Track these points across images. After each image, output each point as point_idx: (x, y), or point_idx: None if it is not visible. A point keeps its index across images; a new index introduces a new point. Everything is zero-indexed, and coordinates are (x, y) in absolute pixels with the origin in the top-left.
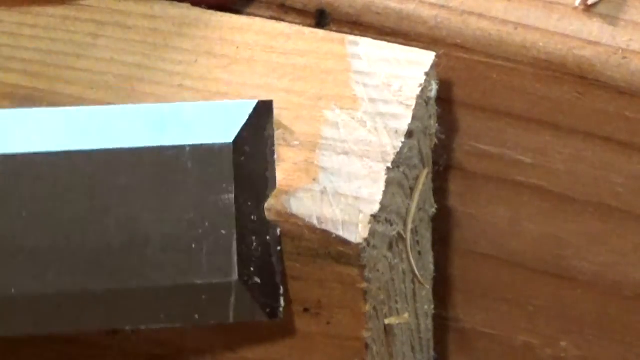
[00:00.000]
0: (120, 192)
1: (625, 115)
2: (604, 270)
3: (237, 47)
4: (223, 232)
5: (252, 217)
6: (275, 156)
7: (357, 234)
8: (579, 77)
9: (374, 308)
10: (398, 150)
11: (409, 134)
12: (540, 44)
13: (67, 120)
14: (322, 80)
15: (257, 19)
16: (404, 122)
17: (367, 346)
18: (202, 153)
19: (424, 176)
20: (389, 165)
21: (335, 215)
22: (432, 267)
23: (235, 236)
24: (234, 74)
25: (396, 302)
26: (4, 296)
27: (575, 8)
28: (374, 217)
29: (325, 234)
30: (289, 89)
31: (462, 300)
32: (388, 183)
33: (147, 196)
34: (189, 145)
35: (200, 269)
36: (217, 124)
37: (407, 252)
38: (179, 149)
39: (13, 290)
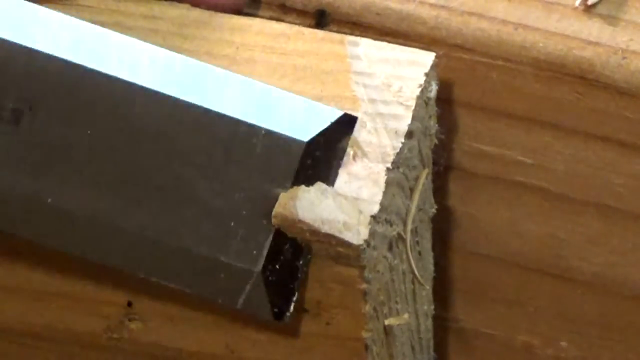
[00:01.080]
0: (184, 147)
1: (625, 115)
2: (604, 270)
3: (237, 48)
4: (264, 222)
5: None
6: (340, 170)
7: (357, 235)
8: (579, 77)
9: (374, 308)
10: (398, 150)
11: (409, 135)
12: (540, 44)
13: (162, 62)
14: (322, 80)
15: (257, 19)
16: (404, 123)
17: (366, 347)
18: (274, 141)
19: (424, 176)
20: (389, 165)
21: (336, 216)
22: (432, 267)
23: (273, 230)
24: None
25: (396, 302)
26: (39, 201)
27: (575, 8)
28: (374, 218)
29: (328, 237)
30: (289, 89)
31: (462, 300)
32: (388, 184)
33: (209, 161)
34: (265, 130)
35: (229, 248)
36: (299, 119)
37: (407, 253)
38: (254, 129)
39: (50, 200)
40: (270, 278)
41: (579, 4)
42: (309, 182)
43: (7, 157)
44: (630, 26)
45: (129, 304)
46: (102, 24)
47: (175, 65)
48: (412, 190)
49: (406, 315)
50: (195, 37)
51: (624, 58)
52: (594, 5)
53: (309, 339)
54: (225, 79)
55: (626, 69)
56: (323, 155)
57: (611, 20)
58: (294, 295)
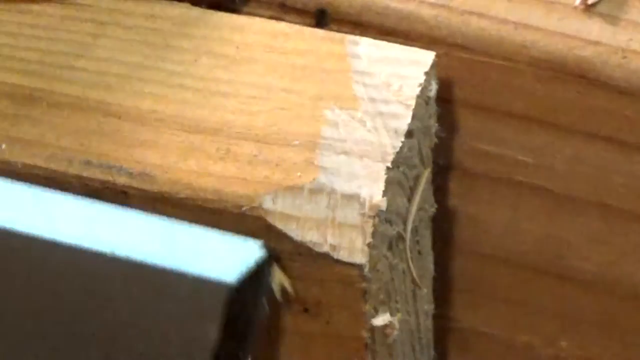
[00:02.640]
0: (107, 301)
1: (625, 115)
2: (604, 270)
3: (237, 47)
4: None
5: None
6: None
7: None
8: (579, 77)
9: (374, 308)
10: (398, 150)
11: (409, 134)
12: (540, 44)
13: (75, 212)
14: (322, 80)
15: (257, 19)
16: (404, 122)
17: (366, 346)
18: (200, 286)
19: (425, 176)
20: (389, 165)
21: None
22: (432, 267)
23: None
24: (234, 74)
25: (396, 302)
26: None
27: (575, 8)
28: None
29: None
30: (289, 89)
31: (462, 300)
32: (388, 183)
33: (135, 313)
34: (190, 275)
35: None
36: (222, 259)
37: (406, 254)
38: (179, 275)
39: None
40: None
41: (579, 4)
42: (239, 323)
43: None
44: (630, 26)
45: None
46: (102, 24)
47: (88, 214)
48: (412, 189)
49: (387, 315)
50: (195, 36)
51: (624, 57)
52: (594, 5)
53: (309, 338)
54: (143, 223)
55: (626, 69)
56: (250, 294)
57: (611, 19)
58: None
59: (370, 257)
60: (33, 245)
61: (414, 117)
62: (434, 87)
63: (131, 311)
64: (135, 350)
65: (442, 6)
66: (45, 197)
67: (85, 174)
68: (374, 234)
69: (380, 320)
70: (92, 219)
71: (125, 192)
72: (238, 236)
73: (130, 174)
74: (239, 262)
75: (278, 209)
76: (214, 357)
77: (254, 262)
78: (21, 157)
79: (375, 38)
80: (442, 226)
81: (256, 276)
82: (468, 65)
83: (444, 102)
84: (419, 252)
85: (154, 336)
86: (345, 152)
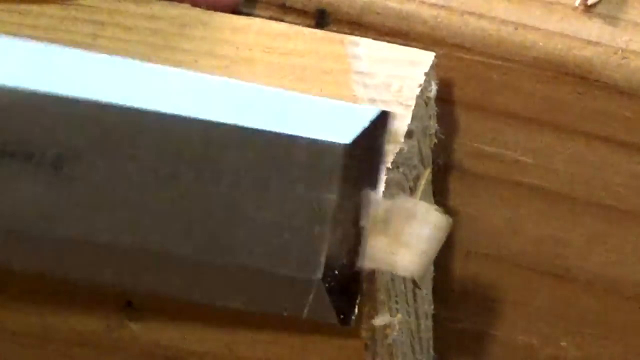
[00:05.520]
0: (228, 168)
1: (625, 115)
2: (604, 270)
3: (237, 48)
4: (318, 230)
5: (348, 222)
6: (382, 166)
7: None
8: (579, 77)
9: (374, 308)
10: (398, 150)
11: (409, 134)
12: (540, 44)
13: (190, 85)
14: (322, 80)
15: (257, 19)
16: (404, 123)
17: (366, 346)
18: (316, 149)
19: (425, 176)
20: (389, 165)
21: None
22: (432, 267)
23: (328, 237)
24: (234, 74)
25: (396, 302)
26: (94, 242)
27: (575, 8)
28: None
29: None
30: (289, 89)
31: (462, 300)
32: (388, 183)
33: (253, 178)
34: (305, 138)
35: (287, 260)
36: (336, 123)
37: None
38: (295, 139)
39: (102, 239)
40: (331, 284)
41: (579, 4)
42: (355, 183)
43: (56, 202)
44: (630, 26)
45: (129, 304)
46: (102, 24)
47: (205, 86)
48: (412, 190)
49: (387, 315)
50: (195, 37)
51: (624, 58)
52: (594, 5)
53: (308, 338)
54: (255, 93)
55: (626, 69)
56: (366, 155)
57: (611, 20)
58: (357, 298)
59: None
60: (149, 118)
61: (413, 117)
62: (433, 88)
63: (247, 178)
64: (253, 217)
65: (442, 7)
66: (159, 73)
67: None
68: None
69: (380, 320)
70: (201, 90)
71: None
72: (353, 103)
73: None
74: (353, 124)
75: None
76: (334, 219)
77: (368, 123)
78: None
79: (375, 38)
80: None
81: (370, 137)
82: (468, 66)
83: (444, 103)
84: None
85: (271, 200)
86: None
